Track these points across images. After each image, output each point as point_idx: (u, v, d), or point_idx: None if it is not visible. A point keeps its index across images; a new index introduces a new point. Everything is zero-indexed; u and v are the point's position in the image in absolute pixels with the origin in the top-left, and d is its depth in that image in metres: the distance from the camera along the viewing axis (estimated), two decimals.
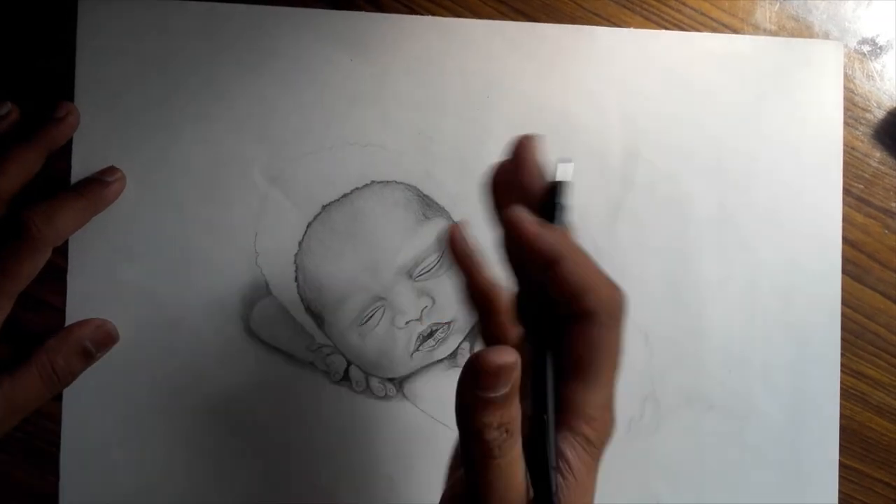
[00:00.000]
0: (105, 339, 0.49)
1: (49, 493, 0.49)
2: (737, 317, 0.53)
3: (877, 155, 0.54)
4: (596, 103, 0.53)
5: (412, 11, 0.52)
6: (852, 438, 0.53)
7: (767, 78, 0.54)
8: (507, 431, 0.32)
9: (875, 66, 0.55)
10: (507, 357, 0.31)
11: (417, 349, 0.51)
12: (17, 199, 0.48)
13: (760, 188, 0.53)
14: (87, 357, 0.49)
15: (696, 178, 0.53)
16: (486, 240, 0.51)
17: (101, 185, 0.49)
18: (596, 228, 0.52)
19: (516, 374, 0.31)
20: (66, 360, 0.48)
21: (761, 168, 0.53)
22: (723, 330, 0.53)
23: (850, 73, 0.54)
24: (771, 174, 0.53)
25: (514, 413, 0.32)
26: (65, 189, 0.49)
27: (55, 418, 0.49)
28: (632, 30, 0.53)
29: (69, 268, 0.49)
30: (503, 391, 0.31)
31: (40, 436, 0.50)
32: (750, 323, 0.53)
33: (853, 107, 0.54)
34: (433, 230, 0.51)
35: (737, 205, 0.53)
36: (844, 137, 0.54)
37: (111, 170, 0.50)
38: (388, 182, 0.51)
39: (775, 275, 0.53)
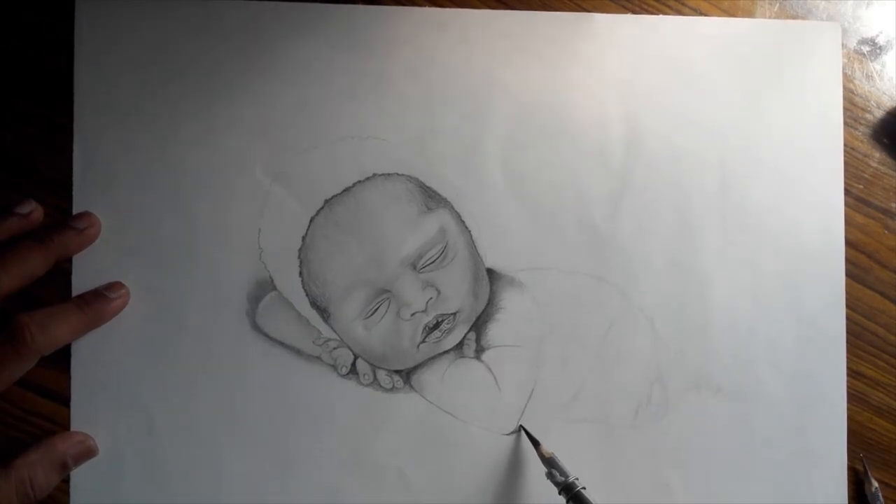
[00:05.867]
0: (85, 454, 0.48)
1: (56, 495, 0.48)
2: (742, 302, 0.53)
3: (876, 155, 0.55)
4: (596, 89, 0.53)
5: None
6: (852, 438, 0.53)
7: (766, 60, 0.54)
8: None
9: (875, 66, 0.55)
10: None
11: (424, 340, 0.51)
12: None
13: (761, 175, 0.54)
14: (65, 470, 0.47)
15: (699, 165, 0.53)
16: (487, 232, 0.52)
17: (102, 300, 0.48)
18: (599, 216, 0.52)
19: None
20: (45, 475, 0.46)
21: (762, 155, 0.54)
22: (728, 315, 0.53)
23: (850, 73, 0.55)
24: (771, 161, 0.54)
25: None
26: (65, 300, 0.48)
27: (63, 420, 0.49)
28: (630, 15, 0.54)
29: (73, 269, 0.49)
30: None
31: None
32: (755, 308, 0.53)
33: (853, 107, 0.55)
34: (436, 221, 0.51)
35: (739, 192, 0.53)
36: (844, 137, 0.54)
37: (116, 285, 0.49)
38: (389, 174, 0.51)
39: (779, 260, 0.53)
